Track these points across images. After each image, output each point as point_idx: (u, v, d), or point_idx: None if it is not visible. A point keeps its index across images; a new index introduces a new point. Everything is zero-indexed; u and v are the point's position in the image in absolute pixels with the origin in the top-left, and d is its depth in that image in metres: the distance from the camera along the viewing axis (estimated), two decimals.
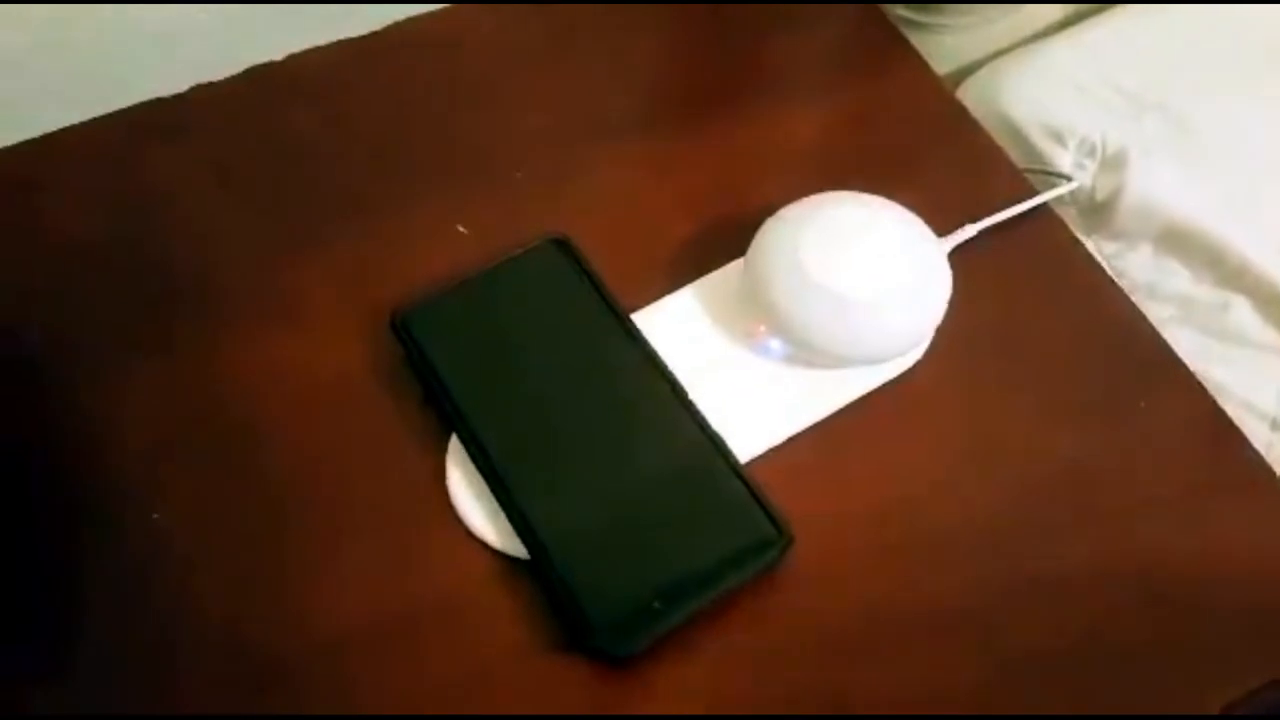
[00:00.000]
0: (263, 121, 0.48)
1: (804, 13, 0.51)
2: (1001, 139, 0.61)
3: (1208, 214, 0.58)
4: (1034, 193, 0.46)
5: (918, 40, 0.51)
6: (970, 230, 0.43)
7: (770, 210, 0.42)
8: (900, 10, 0.65)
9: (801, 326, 0.39)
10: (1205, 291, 0.57)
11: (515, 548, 0.37)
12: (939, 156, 0.47)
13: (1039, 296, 0.44)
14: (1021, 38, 0.67)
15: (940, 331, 0.41)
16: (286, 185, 0.46)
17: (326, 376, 0.41)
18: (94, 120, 0.47)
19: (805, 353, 0.40)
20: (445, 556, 0.38)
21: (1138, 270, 0.58)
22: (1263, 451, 0.54)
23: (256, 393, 0.41)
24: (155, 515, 0.38)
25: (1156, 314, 0.57)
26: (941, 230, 0.43)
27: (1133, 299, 0.43)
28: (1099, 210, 0.60)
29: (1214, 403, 0.42)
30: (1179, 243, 0.58)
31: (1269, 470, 0.41)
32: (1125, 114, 0.62)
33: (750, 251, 0.41)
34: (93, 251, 0.44)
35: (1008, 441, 0.41)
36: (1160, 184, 0.59)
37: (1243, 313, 0.56)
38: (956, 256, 0.42)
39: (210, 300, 0.43)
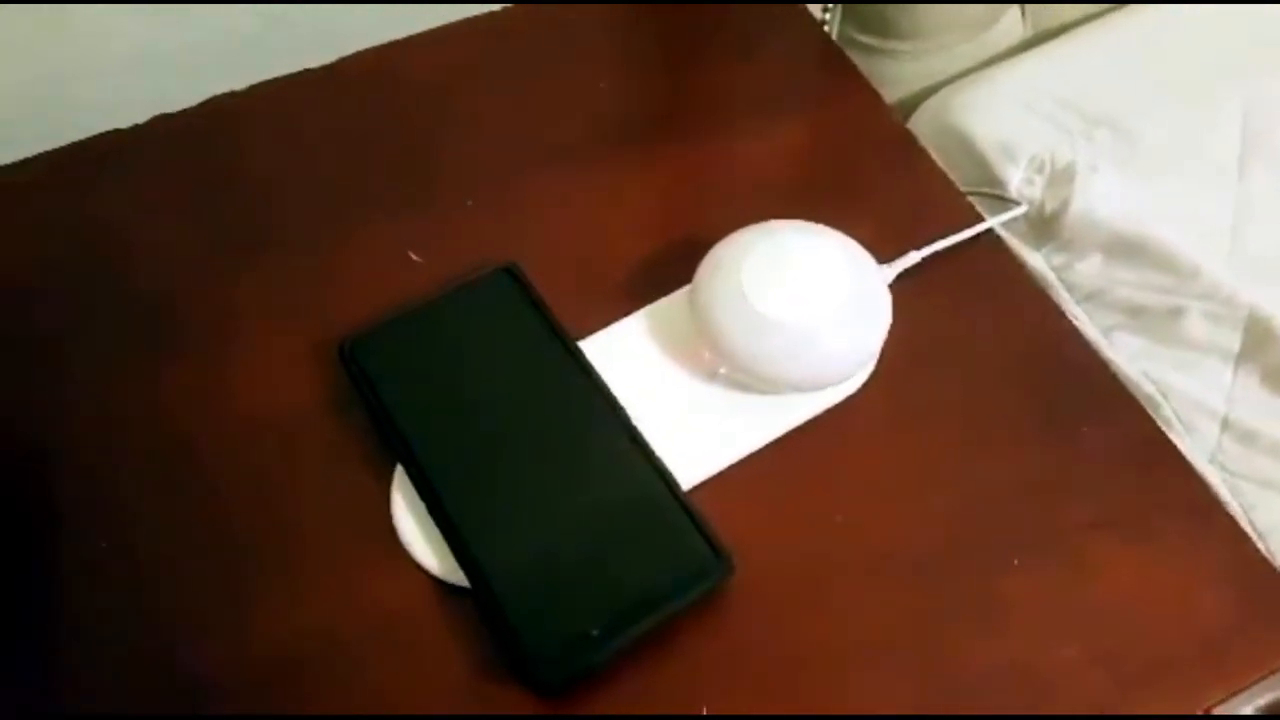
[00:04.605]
0: (220, 151, 0.49)
1: (754, 41, 0.52)
2: (958, 158, 0.62)
3: (1158, 222, 0.59)
4: (979, 219, 0.46)
5: (879, 66, 0.52)
6: (914, 257, 0.44)
7: (719, 237, 0.42)
8: (862, 37, 0.66)
9: (744, 354, 0.40)
10: (1155, 298, 0.58)
11: (457, 576, 0.37)
12: (886, 184, 0.48)
13: (983, 322, 0.44)
14: (979, 62, 0.68)
15: (884, 357, 0.42)
16: (241, 214, 0.47)
17: (278, 403, 0.42)
18: (53, 151, 0.48)
19: (749, 379, 0.41)
20: (387, 584, 0.38)
21: (1087, 279, 0.59)
22: (1212, 449, 0.55)
23: (207, 419, 0.41)
24: (103, 544, 0.39)
25: (1106, 321, 0.58)
26: (886, 257, 0.43)
27: (1083, 308, 0.43)
28: (1048, 223, 0.60)
29: (1154, 425, 0.42)
30: (1128, 252, 0.59)
31: (1209, 492, 0.41)
32: (1076, 130, 0.62)
33: (695, 279, 0.42)
34: (45, 279, 0.45)
35: (949, 466, 0.41)
36: (1107, 195, 0.60)
37: (1192, 318, 0.57)
38: (902, 282, 0.43)
39: (163, 326, 0.44)
